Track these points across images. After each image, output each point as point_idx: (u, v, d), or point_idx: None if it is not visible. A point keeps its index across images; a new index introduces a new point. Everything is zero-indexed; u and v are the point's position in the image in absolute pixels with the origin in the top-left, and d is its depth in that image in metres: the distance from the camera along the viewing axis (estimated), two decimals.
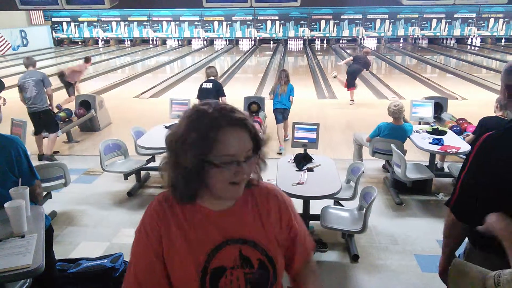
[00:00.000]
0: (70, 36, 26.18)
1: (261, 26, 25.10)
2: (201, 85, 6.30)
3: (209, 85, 6.22)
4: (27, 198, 2.28)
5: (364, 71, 10.01)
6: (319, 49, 23.52)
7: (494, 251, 1.56)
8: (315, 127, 4.35)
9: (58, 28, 26.00)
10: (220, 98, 6.11)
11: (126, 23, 25.56)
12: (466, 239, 1.90)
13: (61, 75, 8.90)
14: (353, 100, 9.69)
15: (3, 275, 1.84)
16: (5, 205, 2.12)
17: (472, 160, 1.70)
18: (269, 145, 6.65)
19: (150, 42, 25.84)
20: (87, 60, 9.44)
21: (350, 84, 9.61)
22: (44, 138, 6.26)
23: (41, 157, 6.09)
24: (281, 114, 6.64)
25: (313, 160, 4.15)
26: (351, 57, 10.07)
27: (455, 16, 24.14)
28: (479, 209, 1.65)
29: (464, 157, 4.82)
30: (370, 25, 24.87)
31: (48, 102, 6.16)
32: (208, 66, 6.65)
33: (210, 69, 6.46)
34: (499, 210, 1.56)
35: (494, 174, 1.61)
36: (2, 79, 2.80)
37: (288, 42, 25.23)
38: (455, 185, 1.81)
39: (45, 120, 6.13)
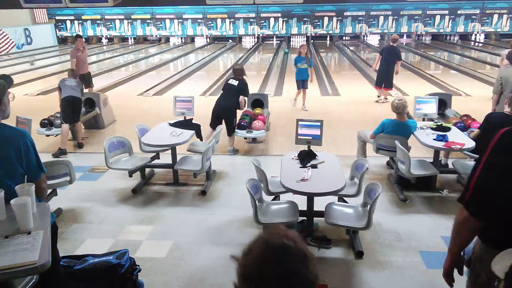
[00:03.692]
0: (74, 34, 26.16)
1: (264, 23, 25.05)
2: (227, 80, 6.41)
3: (235, 82, 6.22)
4: (33, 195, 2.30)
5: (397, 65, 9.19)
6: (322, 46, 23.45)
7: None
8: (319, 124, 4.36)
9: (61, 26, 26.02)
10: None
11: (130, 21, 25.55)
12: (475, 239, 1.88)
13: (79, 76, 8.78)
14: (386, 98, 9.30)
15: (10, 271, 1.86)
16: (12, 202, 2.13)
17: (488, 156, 1.69)
18: (272, 141, 6.68)
19: (155, 39, 25.84)
20: (77, 37, 8.96)
21: (386, 84, 9.25)
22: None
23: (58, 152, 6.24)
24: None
25: (317, 157, 4.15)
26: (378, 54, 9.49)
27: (459, 12, 23.98)
28: (495, 205, 1.65)
29: (469, 153, 4.87)
30: (373, 22, 24.74)
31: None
32: (235, 63, 6.70)
33: (237, 66, 6.49)
34: None
35: (510, 170, 1.62)
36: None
37: (291, 39, 25.17)
38: (468, 181, 1.79)
39: (75, 107, 6.52)
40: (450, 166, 5.12)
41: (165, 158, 5.43)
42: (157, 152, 5.44)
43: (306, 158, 4.08)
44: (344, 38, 25.48)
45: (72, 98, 6.48)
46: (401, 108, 4.95)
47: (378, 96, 9.51)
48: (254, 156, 5.94)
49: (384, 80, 9.32)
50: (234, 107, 6.19)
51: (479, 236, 1.85)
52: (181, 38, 25.88)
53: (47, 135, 6.56)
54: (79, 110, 6.77)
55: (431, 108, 6.14)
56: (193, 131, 5.41)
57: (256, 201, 3.61)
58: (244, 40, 25.40)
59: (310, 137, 4.34)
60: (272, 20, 24.93)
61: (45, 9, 23.78)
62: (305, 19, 24.87)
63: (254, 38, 25.33)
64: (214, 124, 6.10)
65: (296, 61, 8.61)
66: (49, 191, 4.12)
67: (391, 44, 9.25)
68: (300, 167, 3.94)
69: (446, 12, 24.03)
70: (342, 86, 11.48)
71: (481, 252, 1.84)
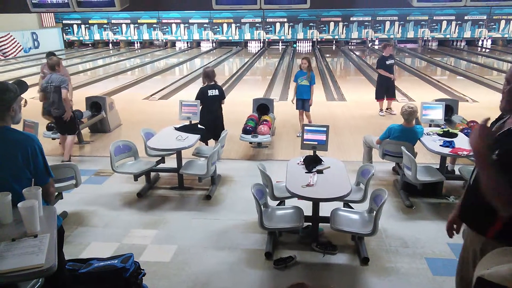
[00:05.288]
0: (81, 38, 26.40)
1: (270, 28, 25.12)
2: (206, 92, 6.00)
3: (216, 92, 6.06)
4: (40, 198, 2.31)
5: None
6: (328, 51, 23.45)
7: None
8: (325, 129, 4.35)
9: (68, 30, 26.24)
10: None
11: (136, 25, 25.72)
12: None
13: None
14: (383, 110, 8.83)
15: (16, 274, 1.86)
16: (19, 205, 2.14)
17: None
18: (277, 146, 6.68)
19: (161, 43, 25.98)
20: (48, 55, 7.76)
21: (376, 94, 8.82)
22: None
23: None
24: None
25: (322, 162, 4.14)
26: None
27: (466, 18, 23.91)
28: None
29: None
30: (380, 27, 24.74)
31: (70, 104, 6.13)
32: (206, 66, 6.55)
33: (210, 69, 6.21)
34: None
35: None
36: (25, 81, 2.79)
37: (297, 44, 25.20)
38: (489, 211, 1.73)
39: (63, 123, 6.06)
40: (457, 172, 5.10)
41: (171, 162, 5.44)
42: (162, 156, 5.45)
43: (312, 163, 4.08)
44: (350, 43, 25.49)
45: (54, 115, 6.05)
46: (406, 115, 4.93)
47: (387, 109, 8.99)
48: (259, 161, 5.94)
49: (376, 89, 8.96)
50: (221, 117, 6.21)
51: None
52: (187, 43, 26.01)
53: (53, 138, 6.60)
54: (70, 123, 6.13)
55: (438, 114, 6.11)
56: (199, 136, 5.42)
57: (261, 206, 3.60)
58: (250, 45, 25.47)
59: (316, 142, 4.33)
60: (278, 25, 24.99)
61: (52, 13, 24.00)
62: (311, 24, 24.92)
63: (260, 43, 25.40)
64: (214, 136, 5.96)
65: (296, 76, 7.23)
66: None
67: (382, 54, 8.74)
68: (306, 172, 3.93)
69: (453, 17, 23.98)
70: (348, 91, 11.46)
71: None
